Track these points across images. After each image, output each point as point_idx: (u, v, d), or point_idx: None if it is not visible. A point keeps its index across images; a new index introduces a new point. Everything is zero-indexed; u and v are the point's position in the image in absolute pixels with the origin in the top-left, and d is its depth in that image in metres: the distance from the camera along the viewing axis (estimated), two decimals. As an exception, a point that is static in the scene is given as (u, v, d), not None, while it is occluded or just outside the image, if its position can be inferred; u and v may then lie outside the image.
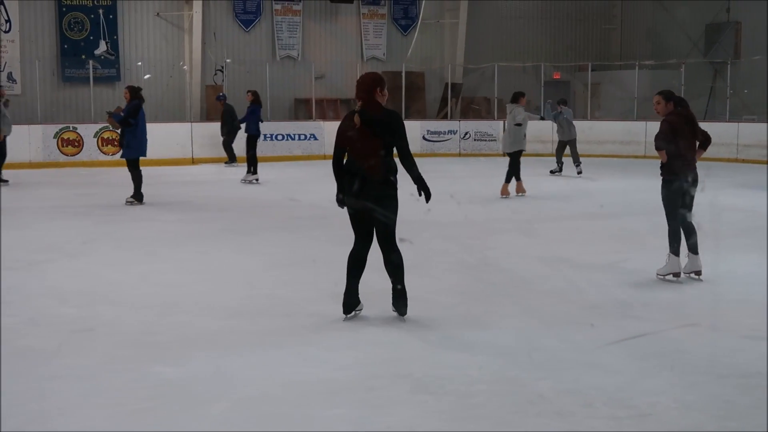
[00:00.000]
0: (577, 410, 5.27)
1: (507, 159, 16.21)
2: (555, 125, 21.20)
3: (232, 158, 23.45)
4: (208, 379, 5.86)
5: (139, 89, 15.28)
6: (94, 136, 23.72)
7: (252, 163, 19.19)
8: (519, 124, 15.75)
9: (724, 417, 5.22)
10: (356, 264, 7.42)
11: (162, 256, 10.60)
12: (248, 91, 20.16)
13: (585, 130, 26.60)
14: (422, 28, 30.64)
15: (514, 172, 16.03)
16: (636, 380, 5.85)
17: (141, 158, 15.06)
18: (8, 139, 19.35)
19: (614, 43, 34.30)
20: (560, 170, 20.89)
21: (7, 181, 18.80)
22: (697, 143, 9.03)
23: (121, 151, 15.31)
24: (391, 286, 7.42)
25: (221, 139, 23.68)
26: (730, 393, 5.62)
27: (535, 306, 8.00)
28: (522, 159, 16.12)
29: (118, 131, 16.17)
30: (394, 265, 7.38)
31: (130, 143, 14.95)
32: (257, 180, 19.07)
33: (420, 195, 7.32)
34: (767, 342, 6.58)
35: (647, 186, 18.69)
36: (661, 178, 8.89)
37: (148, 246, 11.21)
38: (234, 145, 23.25)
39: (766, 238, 10.95)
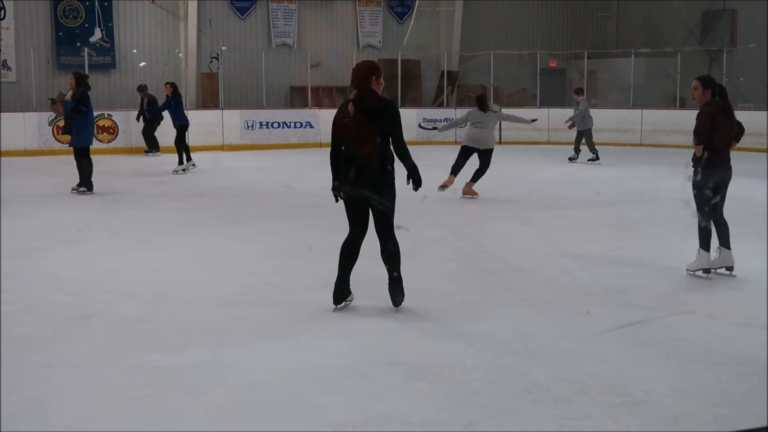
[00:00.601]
0: (572, 398, 5.28)
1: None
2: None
3: (154, 146, 23.34)
4: (204, 367, 5.86)
5: (86, 76, 15.28)
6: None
7: (186, 152, 19.25)
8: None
9: (719, 404, 5.23)
10: (350, 253, 7.39)
11: (158, 244, 10.59)
12: (167, 84, 19.81)
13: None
14: (418, 16, 30.58)
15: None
16: (631, 368, 5.86)
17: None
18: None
19: (610, 30, 34.26)
20: (577, 157, 21.28)
21: None
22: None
23: (77, 141, 14.94)
24: (386, 275, 7.40)
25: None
26: (725, 381, 5.63)
27: (530, 294, 8.01)
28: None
29: (63, 119, 15.85)
30: (391, 253, 7.36)
31: (80, 132, 14.77)
32: (194, 165, 19.22)
33: (408, 182, 7.31)
34: (767, 329, 6.59)
35: (643, 174, 18.83)
36: (693, 169, 8.52)
37: (144, 234, 11.21)
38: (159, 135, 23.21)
39: (763, 227, 10.97)
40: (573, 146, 21.40)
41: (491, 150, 14.73)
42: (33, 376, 5.69)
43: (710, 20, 30.18)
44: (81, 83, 14.92)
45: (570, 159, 21.19)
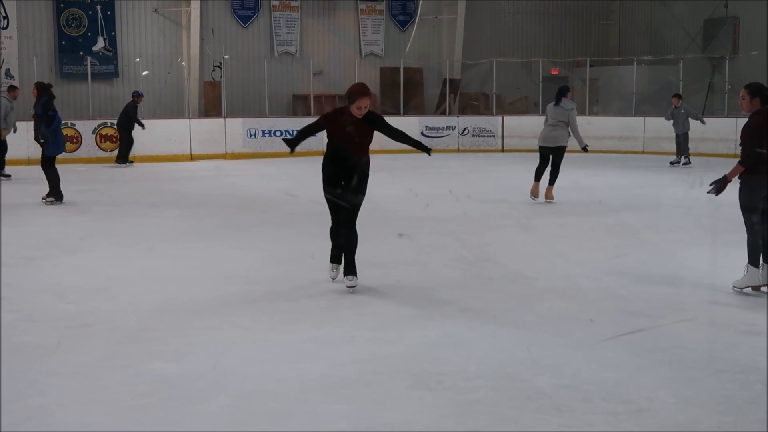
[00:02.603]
0: (575, 405, 5.27)
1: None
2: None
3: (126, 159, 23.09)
4: (206, 375, 5.86)
5: (48, 86, 15.23)
6: (93, 133, 23.71)
7: None
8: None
9: (722, 412, 5.22)
10: (337, 232, 8.41)
11: (160, 251, 10.59)
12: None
13: (583, 125, 26.56)
14: (420, 24, 30.62)
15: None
16: (634, 375, 5.85)
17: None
18: (8, 136, 19.40)
19: (612, 38, 34.27)
20: (679, 161, 22.08)
21: (9, 175, 18.79)
22: None
23: (49, 149, 14.83)
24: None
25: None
26: (728, 388, 5.62)
27: (533, 301, 8.00)
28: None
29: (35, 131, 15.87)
30: (353, 244, 8.24)
31: (51, 141, 14.73)
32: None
33: (425, 152, 8.54)
34: (767, 338, 6.58)
35: (645, 181, 18.81)
36: (739, 181, 8.02)
37: (147, 242, 11.22)
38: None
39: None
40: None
41: (561, 147, 14.80)
42: (35, 385, 5.69)
43: (712, 27, 30.18)
44: (43, 92, 14.95)
45: (671, 163, 22.06)
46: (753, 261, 8.09)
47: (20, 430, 4.95)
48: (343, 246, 8.28)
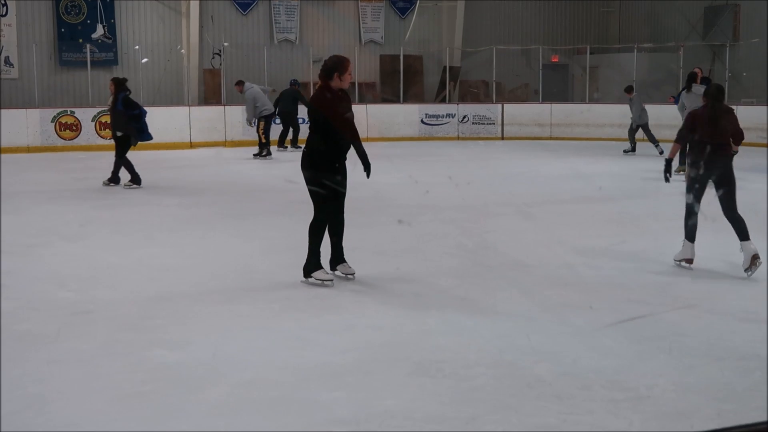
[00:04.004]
0: (575, 393, 5.28)
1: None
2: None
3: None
4: (207, 363, 5.86)
5: (124, 80, 15.54)
6: (92, 120, 23.67)
7: None
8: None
9: (722, 399, 5.23)
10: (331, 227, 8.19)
11: (160, 240, 10.59)
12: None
13: (583, 112, 26.60)
14: (420, 11, 30.56)
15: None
16: (634, 363, 5.85)
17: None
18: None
19: (612, 26, 34.21)
20: (633, 150, 21.60)
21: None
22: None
23: (136, 139, 15.40)
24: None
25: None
26: (728, 376, 5.63)
27: (533, 289, 8.00)
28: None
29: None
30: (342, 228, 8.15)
31: (144, 129, 15.34)
32: None
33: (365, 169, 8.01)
34: (767, 325, 6.59)
35: (646, 169, 18.78)
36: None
37: (146, 230, 11.21)
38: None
39: (764, 221, 10.94)
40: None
41: None
42: (35, 373, 5.69)
43: (713, 15, 30.12)
44: (120, 88, 15.27)
45: (625, 151, 21.63)
46: (688, 236, 8.86)
47: (20, 418, 4.95)
48: (339, 234, 8.12)
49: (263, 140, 21.18)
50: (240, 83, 21.65)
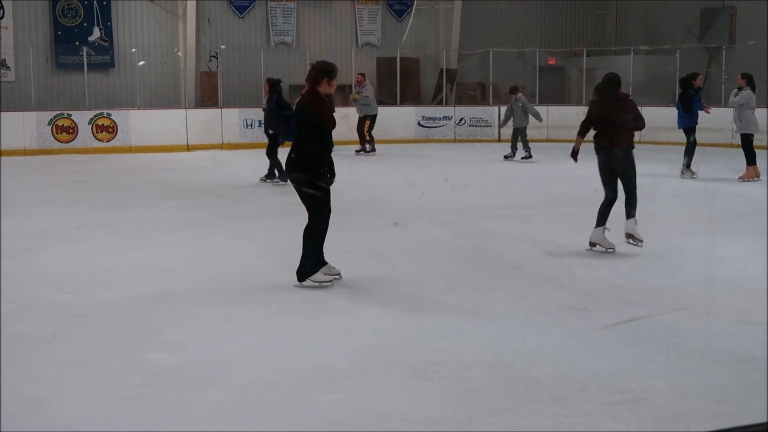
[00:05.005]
0: (572, 395, 5.28)
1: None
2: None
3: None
4: (204, 365, 5.86)
5: (278, 81, 16.97)
6: (89, 123, 23.64)
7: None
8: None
9: (718, 401, 5.23)
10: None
11: (157, 242, 10.58)
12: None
13: (579, 114, 26.54)
14: (417, 14, 30.54)
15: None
16: (630, 365, 5.86)
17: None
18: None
19: (609, 28, 34.23)
20: (513, 155, 20.94)
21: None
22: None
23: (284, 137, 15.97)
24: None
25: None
26: (724, 378, 5.63)
27: (529, 291, 8.00)
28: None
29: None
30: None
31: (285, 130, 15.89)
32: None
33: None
34: (767, 326, 6.59)
35: (641, 171, 18.70)
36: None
37: (143, 232, 11.21)
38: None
39: (760, 223, 10.97)
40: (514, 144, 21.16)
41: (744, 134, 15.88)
42: (32, 375, 5.69)
43: (709, 17, 30.15)
44: (274, 89, 16.43)
45: (506, 157, 20.96)
46: (598, 222, 9.59)
47: (17, 420, 4.95)
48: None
49: (368, 138, 21.86)
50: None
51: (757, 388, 5.39)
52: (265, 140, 16.67)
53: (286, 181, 15.45)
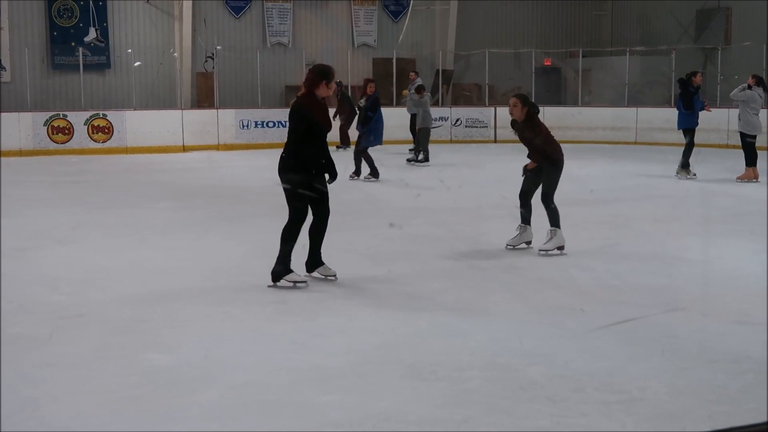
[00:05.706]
0: (568, 395, 5.29)
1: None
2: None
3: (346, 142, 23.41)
4: (199, 366, 5.86)
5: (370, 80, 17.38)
6: (84, 124, 23.62)
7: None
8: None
9: (714, 401, 5.24)
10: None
11: (152, 243, 10.57)
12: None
13: (575, 115, 26.63)
14: (413, 15, 30.56)
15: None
16: (626, 365, 5.86)
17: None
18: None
19: (605, 29, 34.27)
20: (417, 158, 20.38)
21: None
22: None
23: (363, 142, 16.59)
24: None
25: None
26: (720, 377, 5.64)
27: (526, 292, 8.01)
28: None
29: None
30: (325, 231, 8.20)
31: (365, 134, 16.65)
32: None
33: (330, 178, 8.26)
34: (766, 326, 6.58)
35: (637, 171, 18.82)
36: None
37: (139, 233, 11.19)
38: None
39: (756, 223, 10.98)
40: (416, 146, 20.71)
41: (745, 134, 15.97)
42: (28, 376, 5.68)
43: (705, 18, 30.20)
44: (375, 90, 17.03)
45: (408, 161, 20.39)
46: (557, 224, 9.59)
47: (13, 421, 4.94)
48: (320, 235, 8.18)
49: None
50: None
51: (753, 388, 5.40)
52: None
53: (359, 176, 16.32)
